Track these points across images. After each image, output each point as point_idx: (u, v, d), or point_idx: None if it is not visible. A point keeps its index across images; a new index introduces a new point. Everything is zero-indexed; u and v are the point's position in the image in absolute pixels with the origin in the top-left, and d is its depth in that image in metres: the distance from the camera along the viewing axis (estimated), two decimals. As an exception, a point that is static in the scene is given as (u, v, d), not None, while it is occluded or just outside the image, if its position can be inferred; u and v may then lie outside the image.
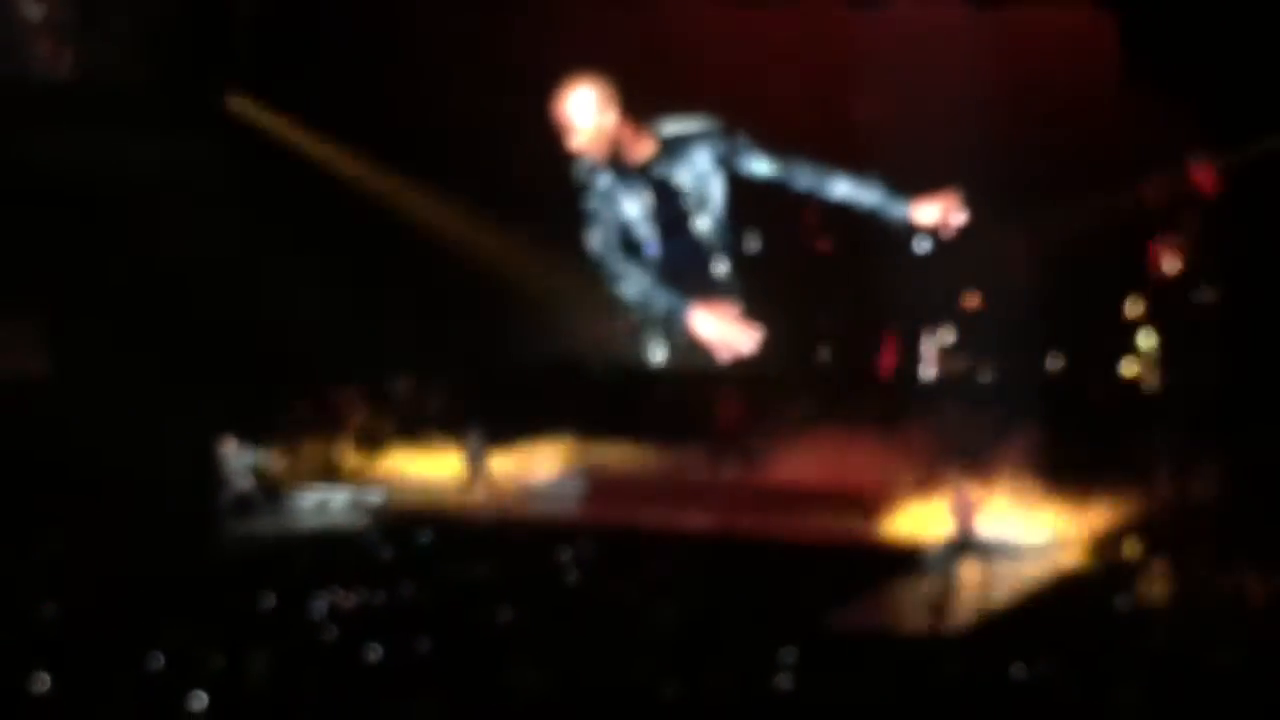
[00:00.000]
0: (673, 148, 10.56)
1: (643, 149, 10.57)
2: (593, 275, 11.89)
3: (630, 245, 11.51)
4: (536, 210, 12.37)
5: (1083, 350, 13.21)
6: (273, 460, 12.39)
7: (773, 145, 11.84)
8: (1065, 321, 12.89)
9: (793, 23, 13.06)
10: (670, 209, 11.71)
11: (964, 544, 10.04)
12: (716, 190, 11.35)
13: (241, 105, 13.47)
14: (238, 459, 11.46)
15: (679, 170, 11.03)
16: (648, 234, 11.49)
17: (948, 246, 12.41)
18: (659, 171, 10.94)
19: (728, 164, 11.09)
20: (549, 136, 11.49)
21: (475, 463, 12.51)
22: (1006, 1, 12.39)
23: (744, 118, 11.77)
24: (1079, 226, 12.50)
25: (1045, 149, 12.59)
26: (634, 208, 11.34)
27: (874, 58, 12.56)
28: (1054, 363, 13.07)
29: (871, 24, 12.84)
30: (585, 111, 10.43)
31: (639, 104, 11.67)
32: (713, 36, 12.64)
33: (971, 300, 13.19)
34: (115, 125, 13.27)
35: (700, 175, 11.29)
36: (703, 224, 11.61)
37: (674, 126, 10.90)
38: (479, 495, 12.00)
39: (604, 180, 10.74)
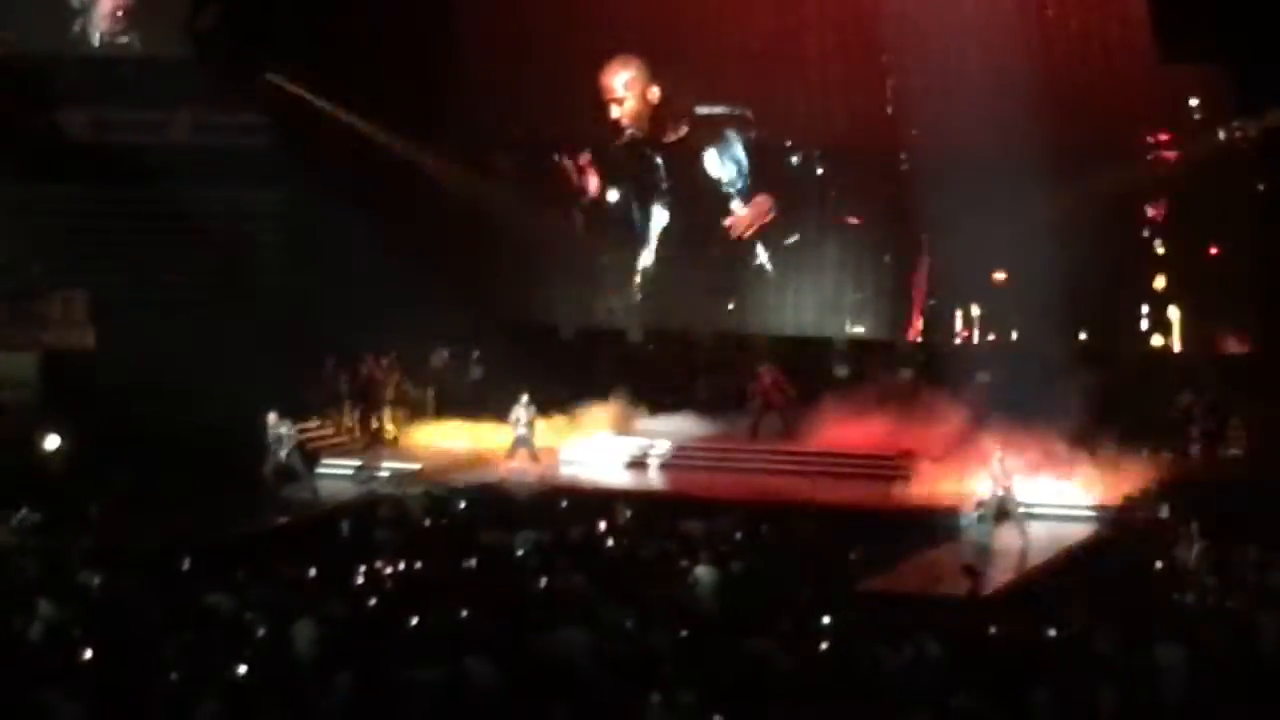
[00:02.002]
0: (705, 128, 10.72)
1: (678, 128, 10.72)
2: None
3: (645, 241, 11.75)
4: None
5: (1115, 319, 13.29)
6: (314, 430, 12.51)
7: (803, 127, 11.97)
8: (1098, 291, 12.95)
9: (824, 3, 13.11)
10: (698, 187, 11.89)
11: (1001, 509, 10.11)
12: (744, 169, 11.52)
13: (277, 82, 13.60)
14: (279, 429, 11.55)
15: (710, 150, 11.20)
16: (667, 222, 11.70)
17: (981, 217, 12.45)
18: (691, 151, 11.10)
19: (755, 144, 11.24)
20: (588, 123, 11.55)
21: (518, 430, 12.55)
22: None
23: (776, 101, 11.91)
24: (1110, 198, 12.56)
25: (1077, 122, 12.65)
26: (661, 204, 11.61)
27: (905, 33, 12.60)
28: (1088, 331, 13.14)
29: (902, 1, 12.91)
30: (633, 86, 10.59)
31: (675, 85, 11.78)
32: (748, 18, 12.62)
33: (1004, 270, 13.25)
34: (172, 100, 13.53)
35: (730, 156, 11.47)
36: (731, 202, 11.76)
37: (705, 109, 11.07)
38: (522, 463, 12.06)
39: (627, 188, 11.05)
